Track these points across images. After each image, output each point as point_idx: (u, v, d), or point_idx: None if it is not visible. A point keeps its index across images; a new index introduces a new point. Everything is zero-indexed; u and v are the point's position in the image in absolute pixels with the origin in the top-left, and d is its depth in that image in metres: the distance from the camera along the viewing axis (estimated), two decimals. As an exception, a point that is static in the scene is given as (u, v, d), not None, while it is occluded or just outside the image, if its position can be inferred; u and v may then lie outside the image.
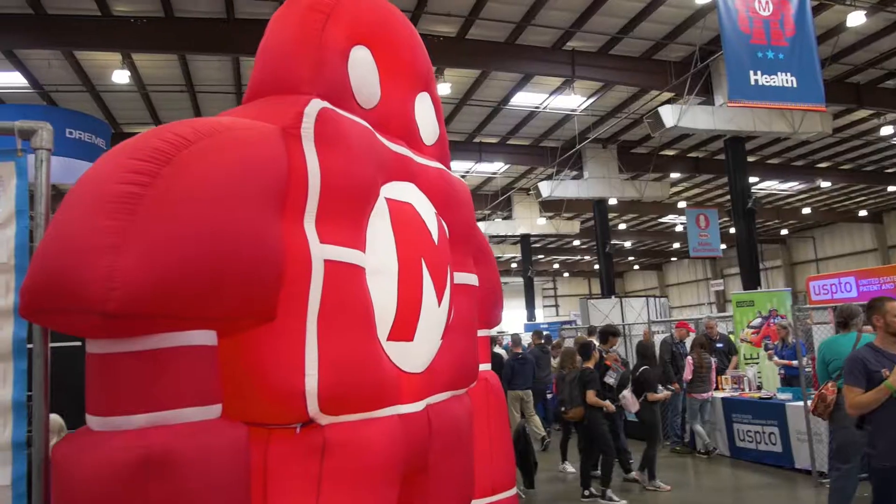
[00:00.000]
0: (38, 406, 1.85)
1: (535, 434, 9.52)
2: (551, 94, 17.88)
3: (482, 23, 14.25)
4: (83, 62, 14.90)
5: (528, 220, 27.18)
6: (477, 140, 21.57)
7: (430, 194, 2.82)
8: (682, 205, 28.18)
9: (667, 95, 16.71)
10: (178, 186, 1.62)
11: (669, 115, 14.73)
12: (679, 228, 33.22)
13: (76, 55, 14.50)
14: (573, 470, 8.04)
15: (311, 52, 2.28)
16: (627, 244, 40.78)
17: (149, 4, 12.98)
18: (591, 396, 6.72)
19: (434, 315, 2.57)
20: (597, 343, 8.01)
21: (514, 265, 39.76)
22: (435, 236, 2.62)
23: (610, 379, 7.02)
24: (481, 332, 3.53)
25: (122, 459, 1.50)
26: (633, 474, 7.46)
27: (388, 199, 2.42)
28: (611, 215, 29.82)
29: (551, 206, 25.93)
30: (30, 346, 1.92)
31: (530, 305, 28.05)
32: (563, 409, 7.38)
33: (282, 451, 2.03)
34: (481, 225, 27.43)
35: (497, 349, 10.77)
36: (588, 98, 18.19)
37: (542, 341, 11.34)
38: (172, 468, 1.54)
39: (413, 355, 2.50)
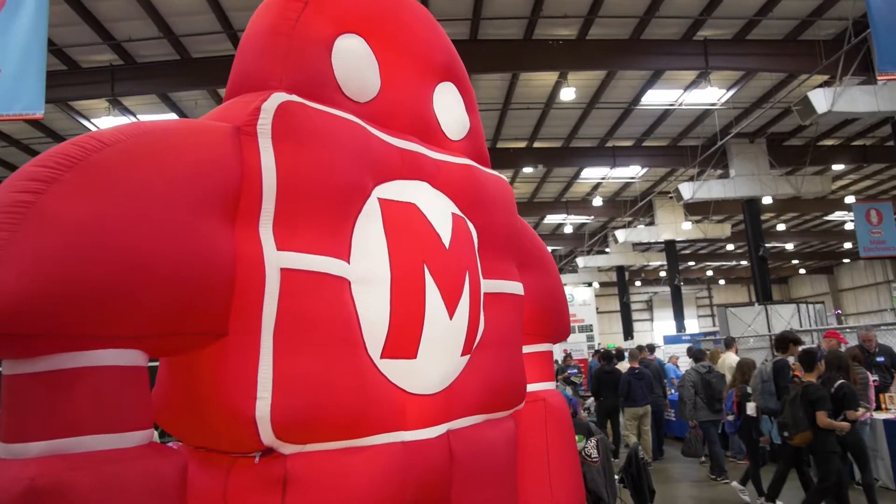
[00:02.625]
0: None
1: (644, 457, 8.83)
2: (686, 89, 16.76)
3: (602, 21, 13.65)
4: (225, 99, 16.06)
5: (673, 226, 25.65)
6: (609, 144, 20.73)
7: (451, 193, 2.53)
8: (850, 199, 25.34)
9: (820, 78, 15.05)
10: (79, 193, 1.49)
11: (821, 100, 13.22)
12: (850, 226, 29.89)
13: (219, 93, 15.67)
14: None
15: (282, 43, 2.10)
16: (789, 246, 37.40)
17: (278, 38, 13.70)
18: (822, 418, 5.69)
19: (444, 329, 2.27)
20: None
21: (662, 273, 37.83)
22: (446, 240, 2.33)
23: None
24: (540, 347, 3.17)
25: (9, 491, 1.38)
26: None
27: (381, 200, 2.17)
28: (766, 215, 27.56)
29: (698, 209, 24.32)
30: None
31: (678, 316, 26.36)
32: (784, 434, 6.25)
33: (240, 484, 1.83)
34: (621, 233, 26.30)
35: (622, 364, 10.13)
36: (728, 90, 16.85)
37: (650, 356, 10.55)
38: (64, 502, 1.40)
39: (419, 374, 2.22)
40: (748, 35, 14.24)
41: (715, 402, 8.45)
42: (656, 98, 17.39)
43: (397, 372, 2.15)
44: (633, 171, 23.37)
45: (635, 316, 47.89)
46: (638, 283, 45.67)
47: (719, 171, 20.71)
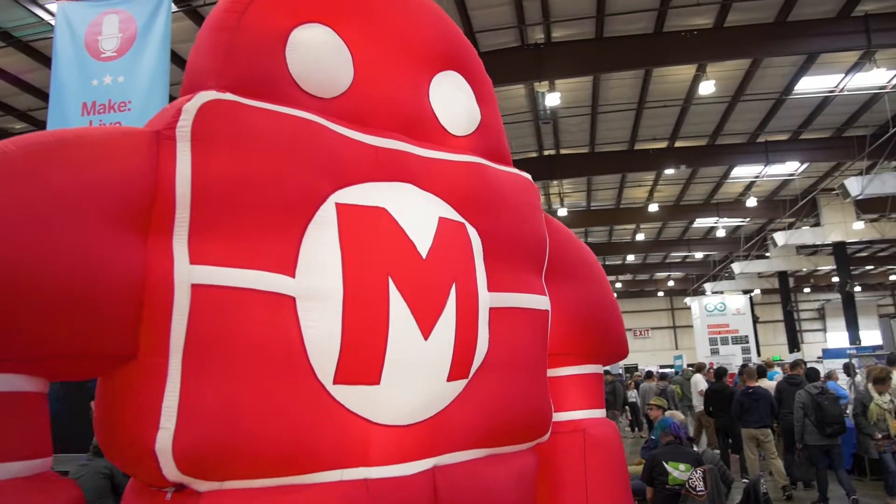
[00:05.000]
0: None
1: (776, 482, 8.06)
2: (847, 72, 14.96)
3: (741, 5, 12.51)
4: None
5: (842, 226, 23.01)
6: (761, 139, 19.01)
7: (447, 195, 2.23)
8: None
9: None
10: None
11: None
12: None
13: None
14: None
15: (224, 39, 1.93)
16: None
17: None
18: None
19: (417, 350, 1.96)
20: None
21: (834, 279, 34.18)
22: (423, 248, 2.02)
23: None
24: (584, 369, 2.76)
25: None
26: None
27: (339, 206, 1.92)
28: (959, 210, 23.99)
29: (873, 206, 21.65)
30: None
31: (851, 326, 23.54)
32: None
33: (155, 522, 1.68)
34: (781, 235, 24.07)
35: (764, 381, 9.06)
36: (899, 70, 14.83)
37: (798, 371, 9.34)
38: None
39: (386, 402, 1.93)
40: (920, 5, 12.43)
41: (825, 427, 7.54)
42: (812, 85, 15.70)
43: (357, 399, 1.89)
44: (790, 168, 21.29)
45: (805, 326, 43.72)
46: (807, 290, 41.64)
47: (895, 163, 18.30)
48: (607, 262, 36.52)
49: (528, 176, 2.60)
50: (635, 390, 16.53)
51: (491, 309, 2.27)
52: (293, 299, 1.81)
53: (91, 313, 1.56)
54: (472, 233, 2.27)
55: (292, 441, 1.74)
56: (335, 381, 1.85)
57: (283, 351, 1.76)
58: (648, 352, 42.70)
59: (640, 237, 29.81)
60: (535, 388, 2.38)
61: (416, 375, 2.00)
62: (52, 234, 1.51)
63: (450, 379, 2.09)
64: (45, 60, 11.19)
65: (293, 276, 1.83)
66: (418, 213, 2.09)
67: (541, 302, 2.45)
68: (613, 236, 30.87)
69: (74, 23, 8.08)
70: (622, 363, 34.55)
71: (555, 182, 22.07)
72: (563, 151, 19.44)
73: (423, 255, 2.03)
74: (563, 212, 23.45)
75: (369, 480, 1.88)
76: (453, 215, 2.23)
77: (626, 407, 17.26)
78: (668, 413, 6.41)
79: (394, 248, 1.98)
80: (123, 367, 1.66)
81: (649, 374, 15.98)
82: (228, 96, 1.82)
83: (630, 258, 35.16)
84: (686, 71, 15.00)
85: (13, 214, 1.48)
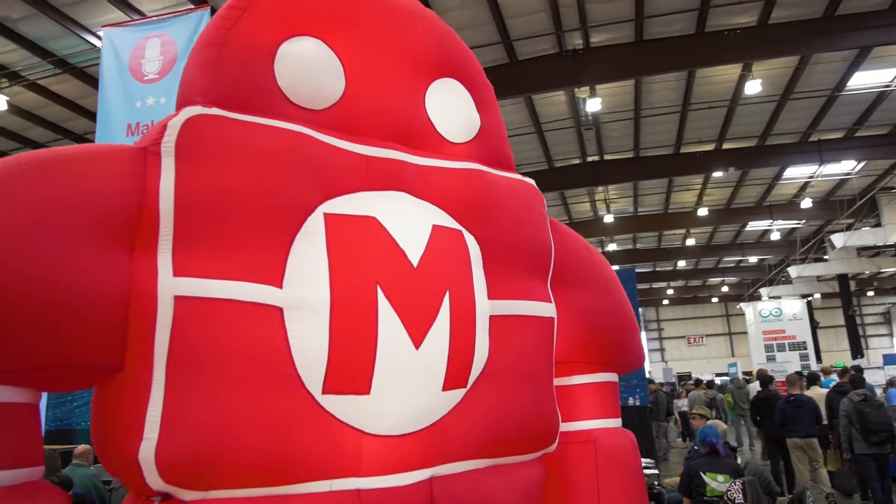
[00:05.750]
0: None
1: (821, 489, 7.91)
2: (903, 66, 14.39)
3: (786, 1, 12.16)
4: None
5: (905, 225, 22.05)
6: (814, 139, 18.39)
7: (443, 203, 2.21)
8: None
9: None
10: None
11: None
12: None
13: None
14: None
15: (212, 55, 1.96)
16: None
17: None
18: None
19: (409, 360, 1.94)
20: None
21: (900, 281, 32.74)
22: (414, 257, 2.01)
23: None
24: (596, 377, 2.69)
25: None
26: None
27: (328, 216, 1.92)
28: None
29: (938, 204, 20.72)
30: None
31: (919, 330, 22.50)
32: None
33: (144, 530, 1.70)
34: (839, 237, 23.20)
35: (815, 389, 8.71)
36: (960, 61, 14.17)
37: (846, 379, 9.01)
38: None
39: (378, 412, 1.92)
40: (978, -8, 11.87)
41: (870, 434, 7.26)
42: (866, 80, 15.16)
43: (347, 409, 1.89)
44: (846, 167, 20.54)
45: (869, 331, 41.95)
46: (871, 294, 39.96)
47: (960, 159, 17.50)
48: (657, 269, 35.83)
49: (532, 181, 2.56)
50: (686, 399, 16.14)
51: (491, 317, 2.24)
52: (280, 310, 1.82)
53: (77, 325, 1.60)
54: (470, 240, 2.25)
55: (279, 450, 1.75)
56: (324, 391, 1.85)
57: (270, 361, 1.77)
58: (703, 359, 41.64)
59: (690, 242, 29.17)
60: (539, 396, 2.33)
61: (409, 385, 1.98)
62: (39, 247, 1.56)
63: (445, 388, 2.06)
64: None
65: (280, 286, 1.84)
66: (410, 222, 2.08)
67: (545, 309, 2.40)
68: (663, 242, 30.27)
69: (119, 47, 8.39)
70: (675, 371, 33.70)
71: (600, 188, 21.80)
72: (607, 157, 19.18)
73: (415, 264, 2.01)
74: (609, 218, 23.13)
75: (361, 491, 1.87)
76: (449, 223, 2.21)
77: (677, 416, 16.86)
78: (710, 422, 6.22)
79: (383, 257, 1.97)
80: (111, 379, 1.70)
81: (698, 383, 15.59)
82: (214, 111, 1.85)
83: (681, 264, 34.38)
84: (731, 71, 14.65)
85: (2, 227, 1.53)
